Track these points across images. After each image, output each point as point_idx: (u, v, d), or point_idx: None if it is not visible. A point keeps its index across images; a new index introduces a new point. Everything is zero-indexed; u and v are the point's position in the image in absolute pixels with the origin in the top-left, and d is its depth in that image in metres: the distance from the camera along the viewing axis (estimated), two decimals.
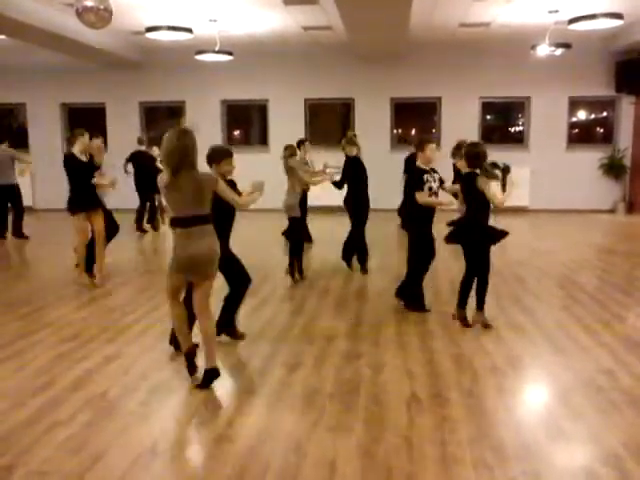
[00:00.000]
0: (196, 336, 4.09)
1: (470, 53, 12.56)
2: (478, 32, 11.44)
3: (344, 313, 5.55)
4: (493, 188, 4.90)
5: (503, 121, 14.25)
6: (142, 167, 10.10)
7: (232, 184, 4.28)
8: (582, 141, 13.31)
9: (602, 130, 13.64)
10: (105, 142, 8.12)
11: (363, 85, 13.08)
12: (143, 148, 10.44)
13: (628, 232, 10.98)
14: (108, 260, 6.93)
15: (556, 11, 9.56)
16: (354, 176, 6.85)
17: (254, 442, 3.15)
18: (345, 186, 6.95)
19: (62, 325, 5.23)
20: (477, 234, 4.98)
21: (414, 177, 5.35)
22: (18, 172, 9.67)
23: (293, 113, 13.28)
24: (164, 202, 6.43)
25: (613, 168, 12.79)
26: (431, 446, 3.07)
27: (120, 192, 8.02)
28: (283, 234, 8.03)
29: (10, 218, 9.89)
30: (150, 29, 9.76)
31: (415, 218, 5.48)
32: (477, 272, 5.03)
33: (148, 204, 10.57)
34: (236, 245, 4.60)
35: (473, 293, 5.10)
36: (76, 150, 6.42)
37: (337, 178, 7.01)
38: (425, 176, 5.27)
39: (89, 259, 6.61)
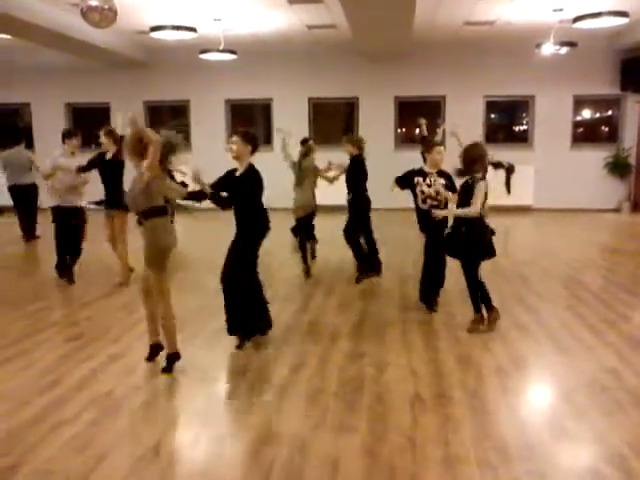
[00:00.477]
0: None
1: (474, 52, 12.53)
2: (482, 31, 11.41)
3: (348, 312, 5.55)
4: (479, 197, 4.67)
5: (507, 120, 14.20)
6: None
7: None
8: (587, 140, 13.26)
9: (607, 129, 13.59)
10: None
11: (367, 84, 13.07)
12: None
13: (633, 231, 10.94)
14: (114, 260, 6.93)
15: (561, 9, 9.53)
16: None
17: (258, 441, 3.16)
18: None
19: (68, 324, 5.26)
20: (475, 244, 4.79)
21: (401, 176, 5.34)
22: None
23: (297, 112, 13.28)
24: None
25: (618, 167, 12.74)
26: (435, 446, 3.07)
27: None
28: (293, 231, 8.04)
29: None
30: (155, 28, 9.77)
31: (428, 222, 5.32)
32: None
33: None
34: None
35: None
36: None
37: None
38: (416, 179, 5.26)
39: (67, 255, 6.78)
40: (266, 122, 13.84)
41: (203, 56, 11.29)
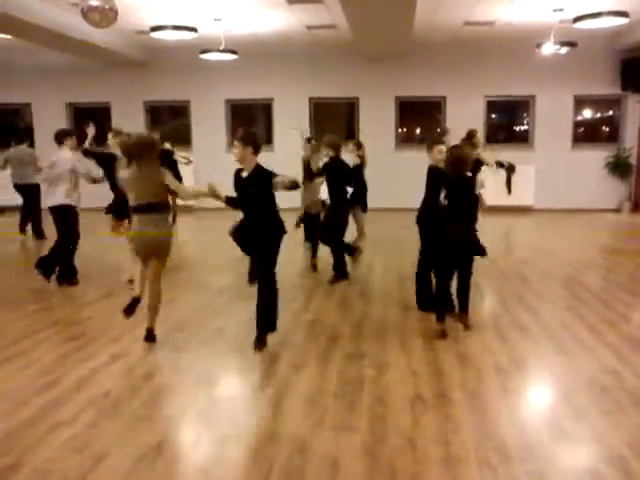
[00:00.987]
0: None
1: (475, 52, 12.53)
2: (482, 31, 11.41)
3: (348, 313, 5.55)
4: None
5: (508, 120, 14.19)
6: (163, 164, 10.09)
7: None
8: (587, 140, 13.25)
9: (608, 129, 13.58)
10: None
11: (367, 84, 13.07)
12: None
13: (633, 232, 10.93)
14: (116, 259, 6.93)
15: (561, 9, 9.52)
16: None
17: (258, 441, 3.15)
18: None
19: (67, 324, 5.26)
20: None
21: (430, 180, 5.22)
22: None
23: (298, 112, 13.27)
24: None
25: (618, 167, 12.74)
26: (435, 446, 3.07)
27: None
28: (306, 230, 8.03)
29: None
30: (155, 28, 9.77)
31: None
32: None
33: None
34: None
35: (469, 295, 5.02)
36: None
37: None
38: None
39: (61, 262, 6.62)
40: (267, 122, 13.84)
41: (203, 56, 11.29)
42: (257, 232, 4.49)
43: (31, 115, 14.02)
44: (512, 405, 3.64)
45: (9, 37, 10.49)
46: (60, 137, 6.58)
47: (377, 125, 13.06)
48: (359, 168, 8.80)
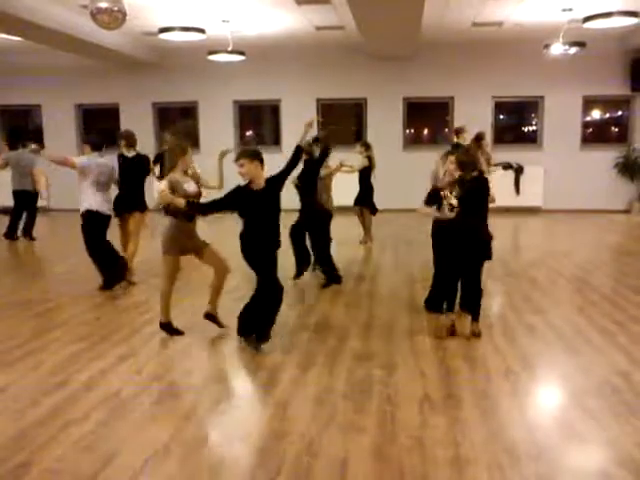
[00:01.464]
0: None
1: (483, 52, 12.50)
2: (491, 31, 11.38)
3: (356, 313, 5.55)
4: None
5: (516, 120, 14.15)
6: None
7: None
8: (596, 140, 13.18)
9: (617, 129, 13.51)
10: None
11: (375, 85, 13.05)
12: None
13: None
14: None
15: (570, 9, 9.48)
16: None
17: (267, 441, 3.16)
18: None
19: (76, 324, 5.28)
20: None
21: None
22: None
23: (305, 113, 13.25)
24: None
25: (628, 168, 12.66)
26: (444, 447, 3.06)
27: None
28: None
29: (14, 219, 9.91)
30: (163, 30, 9.81)
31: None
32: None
33: None
34: None
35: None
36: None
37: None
38: (441, 192, 5.13)
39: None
40: (274, 123, 13.86)
41: (211, 57, 11.32)
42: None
43: (41, 116, 14.12)
44: (522, 406, 3.62)
45: (19, 39, 10.57)
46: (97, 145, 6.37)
47: (385, 126, 13.05)
48: (367, 170, 8.81)
